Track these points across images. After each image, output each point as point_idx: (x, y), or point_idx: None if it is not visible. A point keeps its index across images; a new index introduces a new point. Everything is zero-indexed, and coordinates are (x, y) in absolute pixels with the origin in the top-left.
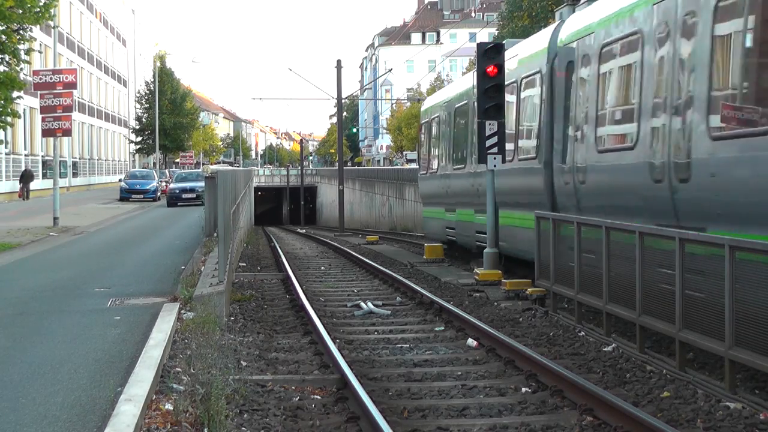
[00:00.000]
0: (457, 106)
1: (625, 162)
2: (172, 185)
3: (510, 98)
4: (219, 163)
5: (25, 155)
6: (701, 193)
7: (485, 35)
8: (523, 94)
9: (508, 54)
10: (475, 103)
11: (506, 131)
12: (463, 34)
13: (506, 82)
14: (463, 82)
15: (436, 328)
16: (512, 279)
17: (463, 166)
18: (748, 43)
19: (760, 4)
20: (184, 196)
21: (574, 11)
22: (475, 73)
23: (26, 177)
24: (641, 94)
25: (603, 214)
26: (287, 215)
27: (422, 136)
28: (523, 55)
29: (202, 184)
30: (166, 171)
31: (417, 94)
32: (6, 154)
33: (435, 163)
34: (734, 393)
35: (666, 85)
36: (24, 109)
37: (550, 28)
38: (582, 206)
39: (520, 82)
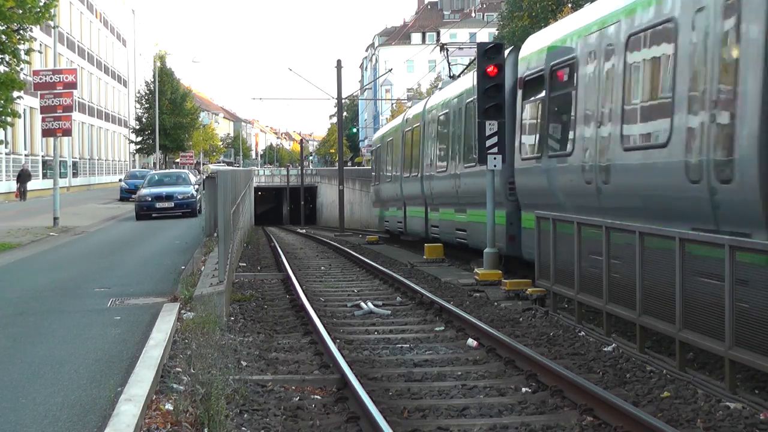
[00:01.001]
0: (388, 139)
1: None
2: (142, 190)
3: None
4: (219, 163)
5: (25, 155)
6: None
7: (485, 35)
8: (406, 138)
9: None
10: (398, 138)
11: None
12: (463, 34)
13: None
14: (393, 122)
15: (437, 328)
16: (512, 279)
17: (390, 178)
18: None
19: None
20: (159, 205)
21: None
22: (400, 115)
23: (23, 177)
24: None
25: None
26: (287, 215)
27: (374, 157)
28: (411, 114)
29: (185, 189)
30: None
31: (417, 94)
32: (6, 154)
33: (378, 177)
34: (734, 393)
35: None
36: (24, 109)
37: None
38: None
39: (404, 133)
